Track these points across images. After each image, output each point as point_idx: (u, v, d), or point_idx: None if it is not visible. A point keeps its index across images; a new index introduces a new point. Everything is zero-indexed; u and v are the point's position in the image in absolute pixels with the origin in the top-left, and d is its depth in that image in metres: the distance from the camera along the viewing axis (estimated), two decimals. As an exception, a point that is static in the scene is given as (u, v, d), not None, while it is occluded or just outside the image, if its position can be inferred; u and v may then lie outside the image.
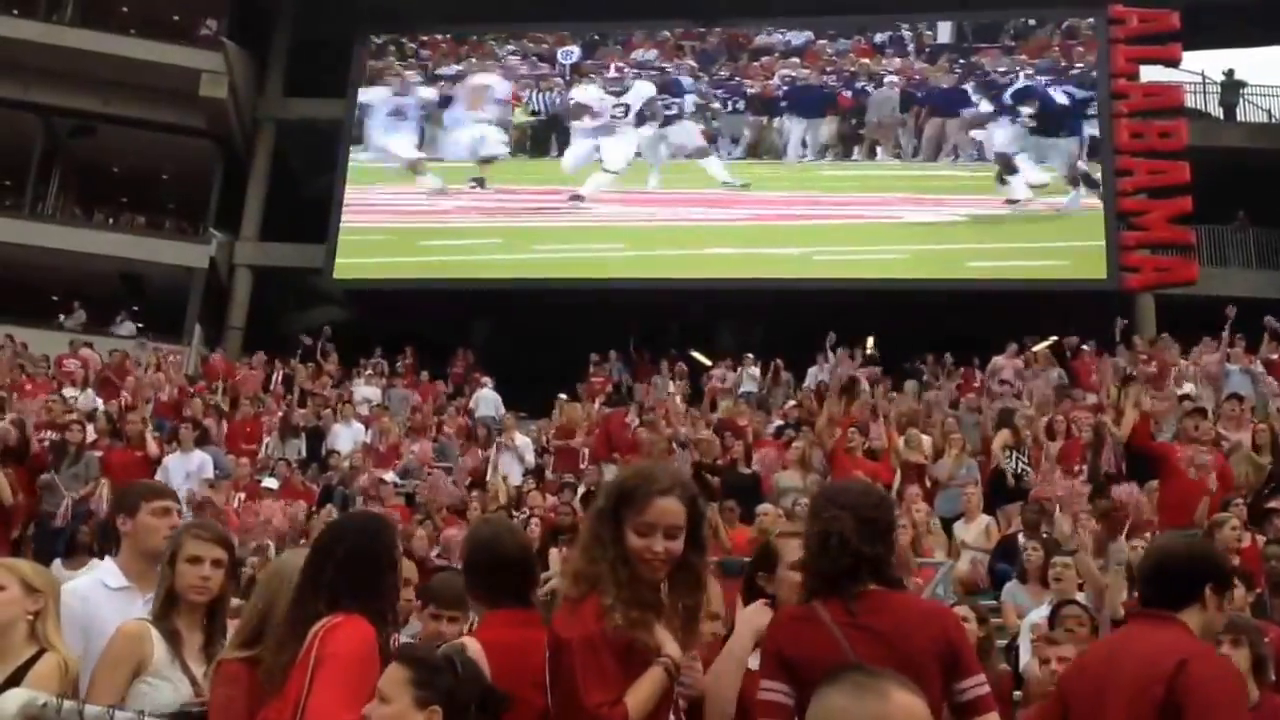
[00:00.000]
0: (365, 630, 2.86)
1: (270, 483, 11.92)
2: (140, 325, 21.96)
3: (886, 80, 21.03)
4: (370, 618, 2.89)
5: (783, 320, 19.53)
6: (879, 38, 21.67)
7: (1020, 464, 11.27)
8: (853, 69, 21.31)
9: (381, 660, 2.79)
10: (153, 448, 12.11)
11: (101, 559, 9.47)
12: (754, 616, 2.99)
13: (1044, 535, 8.56)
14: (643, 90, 21.07)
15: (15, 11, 23.03)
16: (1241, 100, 22.72)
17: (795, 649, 2.78)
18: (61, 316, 21.66)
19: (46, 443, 12.12)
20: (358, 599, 2.92)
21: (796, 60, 21.64)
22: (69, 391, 15.24)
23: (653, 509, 2.79)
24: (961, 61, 21.16)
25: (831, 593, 2.84)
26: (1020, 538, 9.10)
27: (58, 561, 9.53)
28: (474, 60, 22.50)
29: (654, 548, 2.77)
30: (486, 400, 16.54)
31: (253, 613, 3.23)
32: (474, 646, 2.87)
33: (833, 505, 2.91)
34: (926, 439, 12.12)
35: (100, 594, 3.60)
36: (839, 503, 2.91)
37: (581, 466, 13.36)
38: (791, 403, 15.11)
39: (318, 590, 2.96)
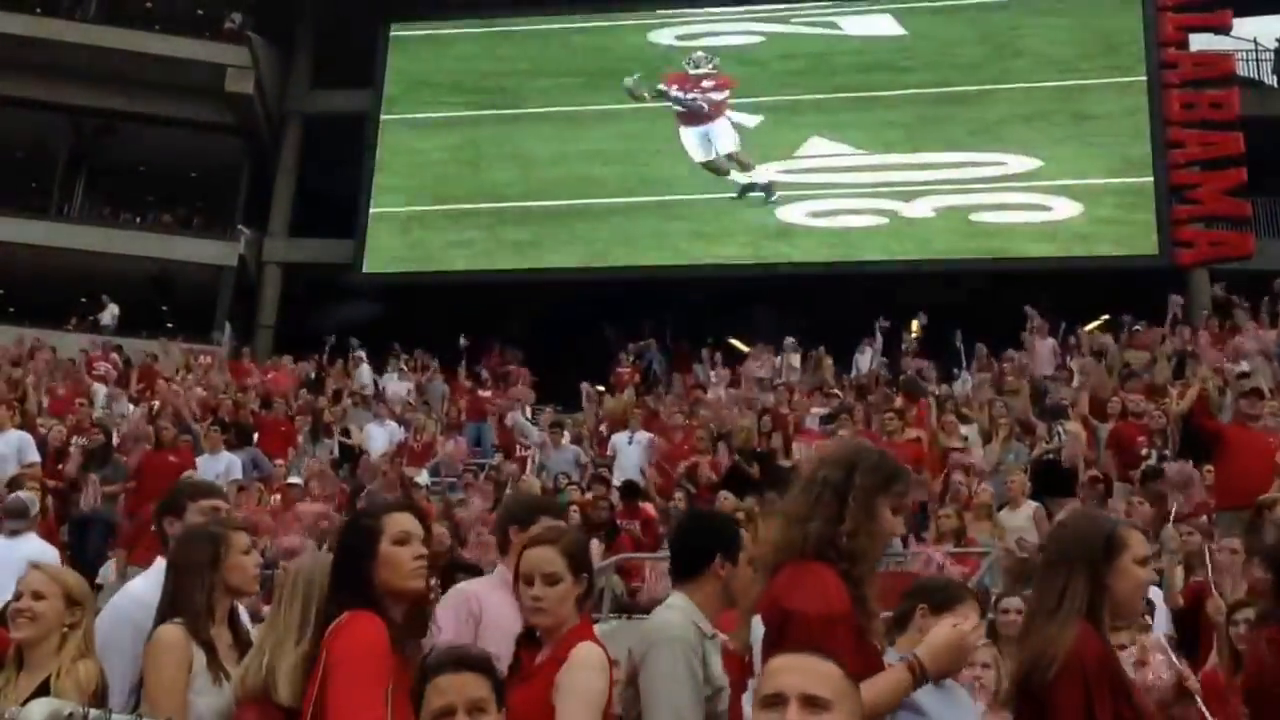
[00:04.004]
0: (369, 624, 2.85)
1: (295, 479, 11.57)
2: (119, 316, 21.78)
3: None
4: (376, 611, 2.88)
5: (823, 304, 19.05)
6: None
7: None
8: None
9: (400, 655, 2.83)
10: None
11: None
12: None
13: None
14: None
15: (39, 10, 22.92)
16: (1296, 67, 22.04)
17: None
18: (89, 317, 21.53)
19: (76, 448, 11.89)
20: (358, 596, 2.91)
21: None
22: (99, 390, 15.07)
23: (902, 496, 2.95)
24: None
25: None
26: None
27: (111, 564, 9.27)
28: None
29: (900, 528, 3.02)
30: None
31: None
32: (603, 655, 2.93)
33: None
34: (966, 427, 11.64)
35: (155, 596, 3.50)
36: None
37: (609, 454, 12.90)
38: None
39: (332, 592, 3.00)
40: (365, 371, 17.03)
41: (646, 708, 3.02)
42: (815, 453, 11.19)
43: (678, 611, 3.20)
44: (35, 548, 6.72)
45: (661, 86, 20.70)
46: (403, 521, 3.05)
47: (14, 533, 6.93)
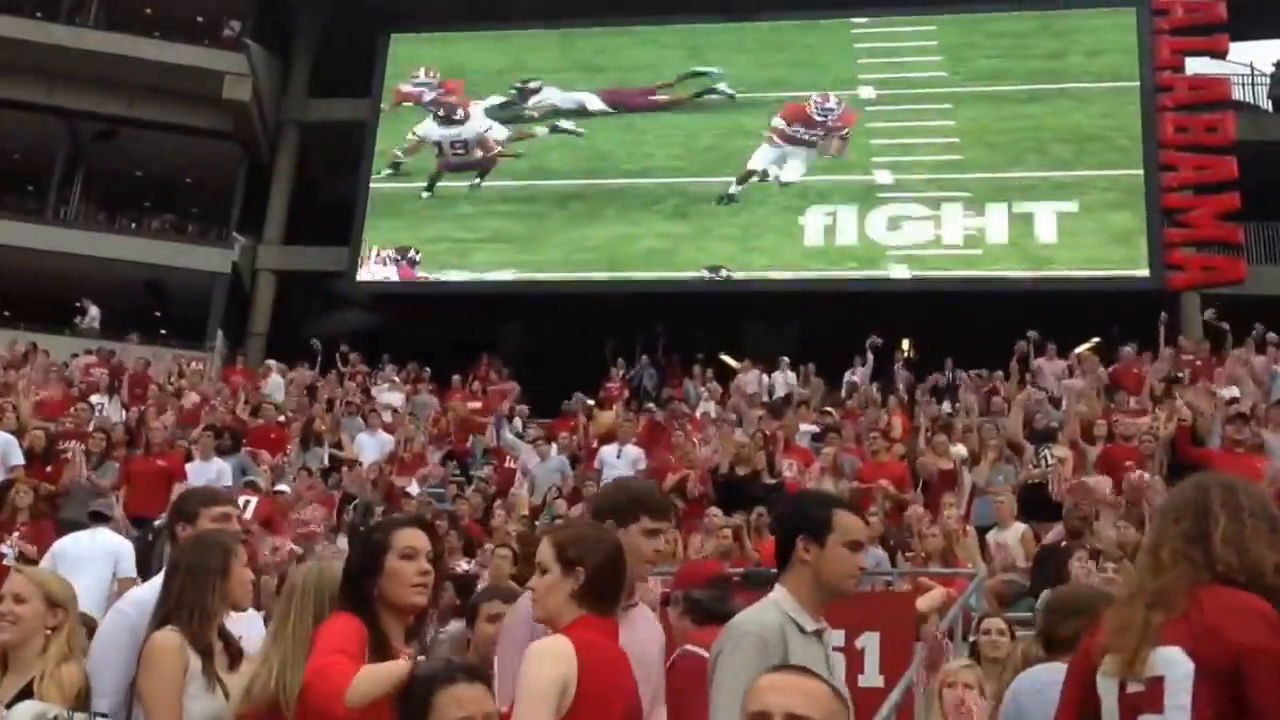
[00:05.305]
0: (341, 620, 2.97)
1: (283, 488, 11.55)
2: (105, 319, 21.84)
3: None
4: (369, 620, 2.98)
5: (814, 321, 19.05)
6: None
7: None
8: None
9: (378, 654, 2.88)
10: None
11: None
12: None
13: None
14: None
15: (39, 15, 22.95)
16: (1292, 92, 22.12)
17: None
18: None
19: (70, 453, 11.85)
20: (356, 606, 3.02)
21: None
22: (94, 398, 15.03)
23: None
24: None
25: None
26: (1064, 546, 8.68)
27: None
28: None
29: None
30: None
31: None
32: (566, 644, 2.76)
33: None
34: (957, 448, 11.63)
35: None
36: None
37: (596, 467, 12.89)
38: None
39: (338, 601, 3.09)
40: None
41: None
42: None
43: (768, 606, 2.98)
44: (112, 540, 7.44)
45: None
46: (411, 537, 3.10)
47: (97, 516, 7.61)
